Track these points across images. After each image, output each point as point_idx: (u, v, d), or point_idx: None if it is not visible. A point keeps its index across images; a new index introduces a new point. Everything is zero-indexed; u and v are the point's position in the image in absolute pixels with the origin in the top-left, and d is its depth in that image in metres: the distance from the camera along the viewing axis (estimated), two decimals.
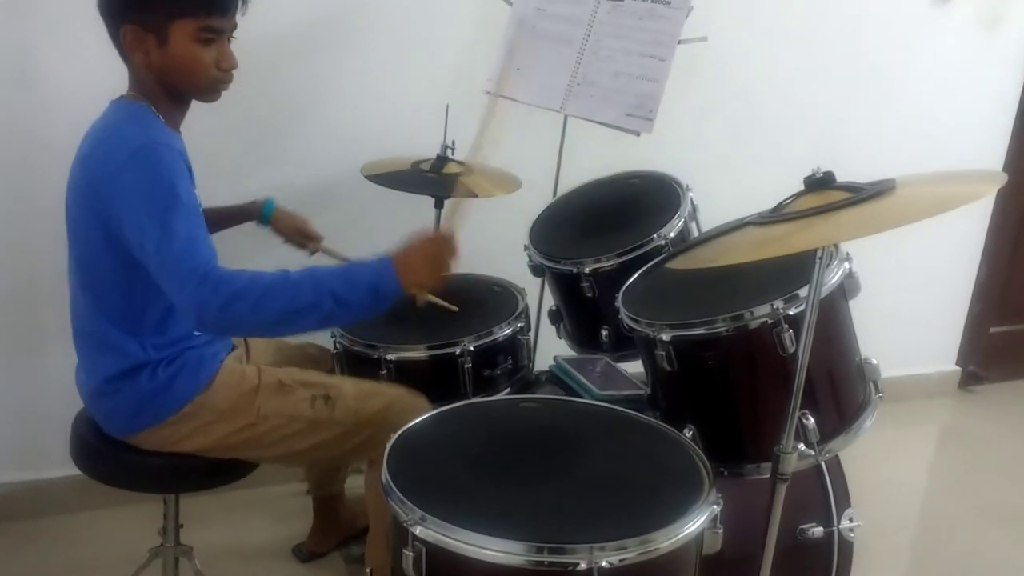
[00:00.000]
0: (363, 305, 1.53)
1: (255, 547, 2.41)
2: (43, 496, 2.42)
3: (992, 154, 3.34)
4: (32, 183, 2.21)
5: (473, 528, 1.25)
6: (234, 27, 1.65)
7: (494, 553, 1.23)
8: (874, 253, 3.19)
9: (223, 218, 2.01)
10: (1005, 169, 3.38)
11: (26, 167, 2.22)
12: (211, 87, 1.65)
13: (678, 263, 1.52)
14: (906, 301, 3.38)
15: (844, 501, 1.89)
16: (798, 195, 1.39)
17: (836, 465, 1.91)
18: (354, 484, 2.28)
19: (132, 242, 1.53)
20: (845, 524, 1.85)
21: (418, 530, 1.27)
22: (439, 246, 1.59)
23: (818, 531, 1.82)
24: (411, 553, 1.28)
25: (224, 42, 1.63)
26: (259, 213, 2.08)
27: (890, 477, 2.95)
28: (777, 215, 1.37)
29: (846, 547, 1.87)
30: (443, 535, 1.26)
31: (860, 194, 1.30)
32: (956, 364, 3.66)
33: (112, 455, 1.72)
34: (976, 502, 2.87)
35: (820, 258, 1.34)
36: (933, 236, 3.26)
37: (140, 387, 1.66)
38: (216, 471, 1.76)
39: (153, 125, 1.60)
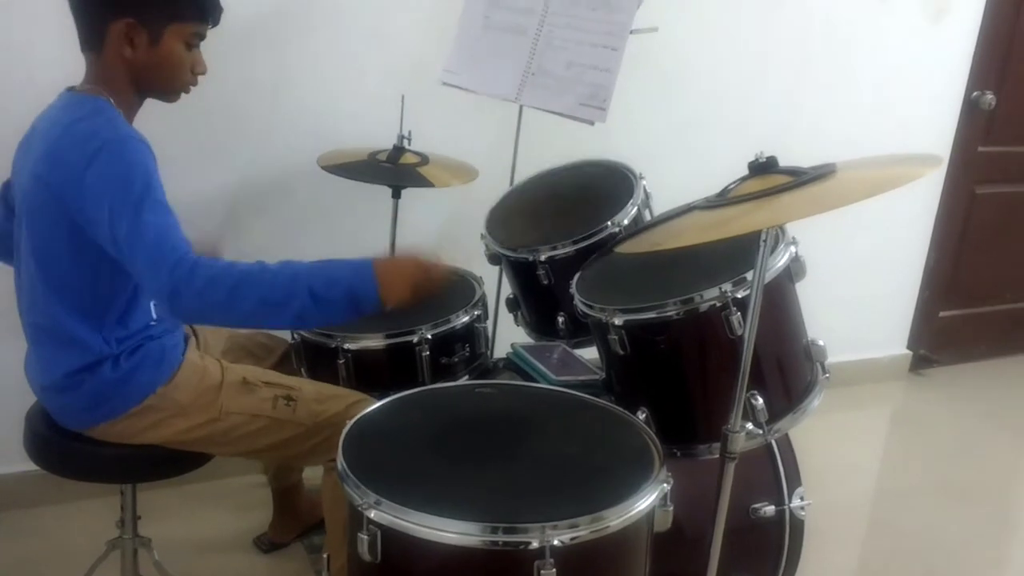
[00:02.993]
0: (338, 306, 1.52)
1: (216, 539, 2.40)
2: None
3: (940, 141, 3.43)
4: None
5: (427, 510, 1.27)
6: (205, 36, 1.70)
7: (448, 534, 1.25)
8: (825, 239, 3.27)
9: None
10: (952, 156, 3.46)
11: None
12: (180, 89, 1.70)
13: (626, 247, 1.55)
14: (857, 287, 3.46)
15: (795, 480, 1.93)
16: (742, 180, 1.43)
17: (786, 445, 1.96)
18: (313, 475, 2.28)
19: (102, 234, 1.51)
20: (796, 503, 1.90)
21: (372, 513, 1.29)
22: (426, 273, 1.60)
23: (770, 510, 1.87)
24: (366, 536, 1.29)
25: (199, 49, 1.68)
26: None
27: (843, 459, 3.03)
28: (722, 199, 1.40)
29: (797, 525, 1.92)
30: (397, 518, 1.27)
31: (801, 177, 1.33)
32: (907, 348, 3.75)
33: (67, 446, 1.71)
34: (927, 481, 2.95)
35: (764, 241, 1.37)
36: (883, 222, 3.35)
37: (102, 379, 1.65)
38: (172, 461, 1.76)
39: (117, 119, 1.59)
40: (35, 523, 2.39)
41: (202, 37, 1.68)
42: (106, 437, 1.70)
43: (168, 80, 1.66)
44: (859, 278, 3.47)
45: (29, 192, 1.61)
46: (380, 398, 1.64)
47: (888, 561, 2.53)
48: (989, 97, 3.44)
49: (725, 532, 1.63)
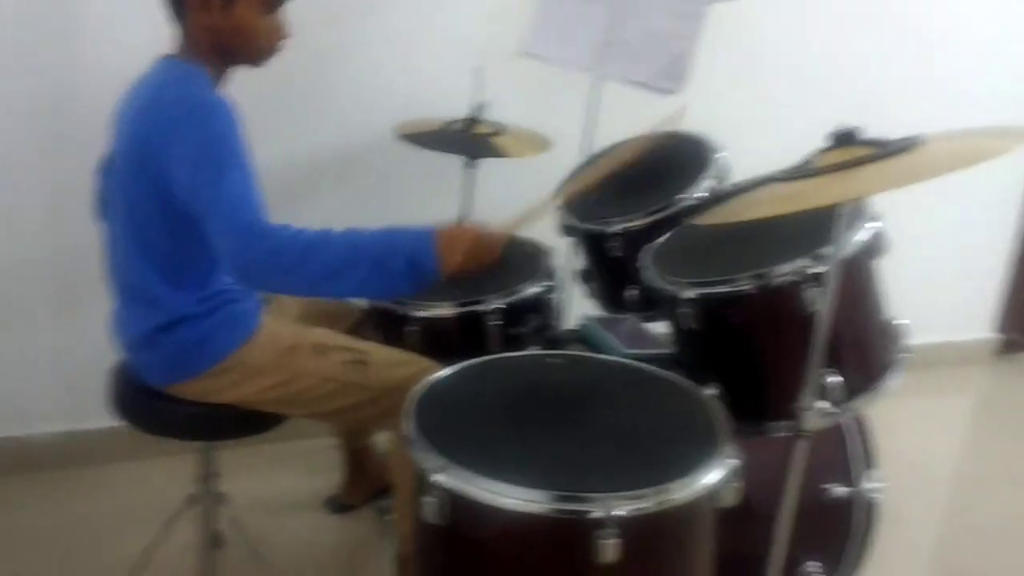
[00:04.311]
0: (398, 274, 1.54)
1: (289, 499, 2.47)
2: (84, 446, 2.51)
3: None
4: (70, 141, 2.26)
5: (492, 476, 1.28)
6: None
7: (512, 500, 1.26)
8: (909, 215, 3.17)
9: None
10: None
11: (64, 125, 2.27)
12: (262, 54, 1.71)
13: (700, 219, 1.52)
14: (942, 265, 3.35)
15: (870, 462, 1.89)
16: (823, 151, 1.38)
17: (862, 426, 1.91)
18: (383, 439, 2.33)
19: (183, 193, 1.56)
20: (870, 484, 1.86)
21: (438, 478, 1.31)
22: (485, 243, 1.60)
23: (842, 490, 1.83)
24: (433, 499, 1.31)
25: (282, 13, 1.69)
26: None
27: (922, 444, 2.95)
28: (800, 171, 1.37)
29: (870, 508, 1.88)
30: (462, 482, 1.29)
31: (884, 149, 1.29)
32: (994, 331, 3.62)
33: (149, 404, 1.77)
34: (1010, 470, 2.85)
35: (843, 215, 1.33)
36: (971, 198, 3.24)
37: (181, 339, 1.71)
38: (248, 421, 1.81)
39: (206, 85, 1.64)
40: (118, 478, 2.50)
41: (279, 2, 1.68)
42: (186, 395, 1.75)
43: (245, 45, 1.68)
44: (944, 256, 3.36)
45: (122, 155, 1.67)
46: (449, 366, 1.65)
47: (966, 551, 2.46)
48: None
49: (796, 513, 1.61)
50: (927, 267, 3.30)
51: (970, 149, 1.25)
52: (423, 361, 1.86)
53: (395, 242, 1.56)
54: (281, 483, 2.53)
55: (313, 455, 2.59)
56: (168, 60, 1.68)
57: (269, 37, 1.69)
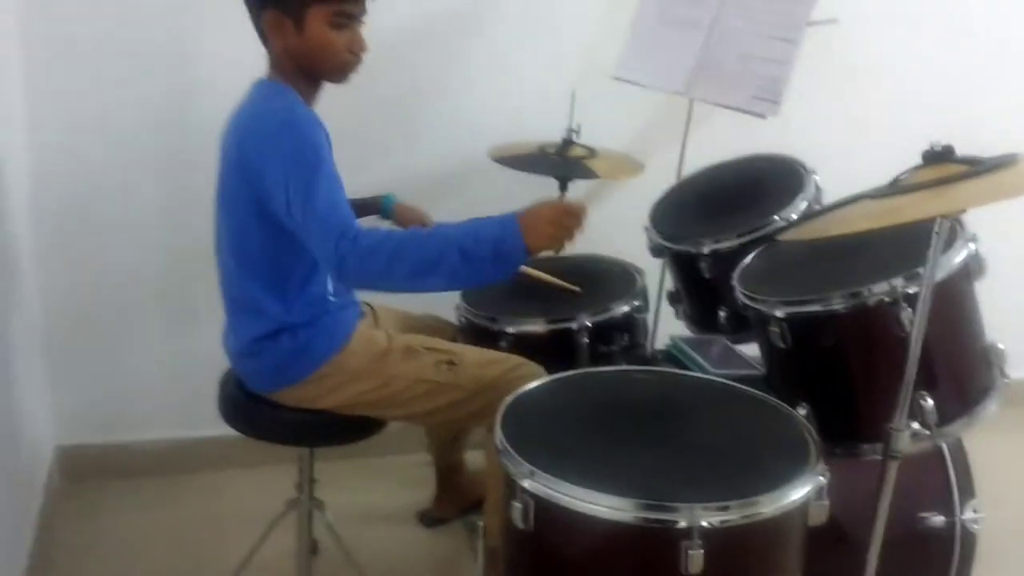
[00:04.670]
0: (487, 261, 1.58)
1: (383, 510, 2.53)
2: (193, 453, 2.62)
3: None
4: (185, 164, 2.40)
5: (579, 483, 1.30)
6: (364, 12, 1.76)
7: (598, 508, 1.28)
8: (1014, 237, 3.05)
9: None
10: None
11: (180, 149, 2.42)
12: (342, 69, 1.77)
13: (790, 235, 1.52)
14: None
15: (968, 491, 1.85)
16: (916, 169, 1.38)
17: (960, 454, 1.87)
18: (474, 457, 2.37)
19: (279, 205, 1.65)
20: (968, 515, 1.81)
21: (527, 483, 1.34)
22: (566, 214, 1.63)
23: (939, 520, 1.79)
24: (520, 505, 1.34)
25: (355, 26, 1.75)
26: (379, 207, 2.23)
27: None
28: (893, 188, 1.36)
29: (969, 539, 1.83)
30: (550, 488, 1.32)
31: (979, 166, 1.28)
32: None
33: (255, 410, 1.86)
34: None
35: (937, 232, 1.32)
36: None
37: (282, 347, 1.80)
38: (347, 428, 1.88)
39: (295, 102, 1.73)
40: (224, 484, 2.60)
41: (348, 15, 1.71)
42: (288, 401, 1.84)
43: (324, 62, 1.73)
44: None
45: (224, 174, 1.78)
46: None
47: None
48: None
49: (890, 541, 1.58)
50: None
51: None
52: (514, 359, 1.89)
53: (481, 231, 1.61)
54: (376, 496, 2.60)
55: (407, 470, 2.65)
56: (261, 83, 1.78)
57: (345, 52, 1.74)
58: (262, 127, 1.69)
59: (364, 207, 2.19)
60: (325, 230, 1.60)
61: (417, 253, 1.60)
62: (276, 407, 1.84)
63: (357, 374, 1.82)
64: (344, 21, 1.72)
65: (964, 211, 1.28)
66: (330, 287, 1.86)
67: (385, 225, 2.24)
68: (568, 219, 1.62)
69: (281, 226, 1.68)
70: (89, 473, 2.56)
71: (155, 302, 2.55)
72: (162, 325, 2.57)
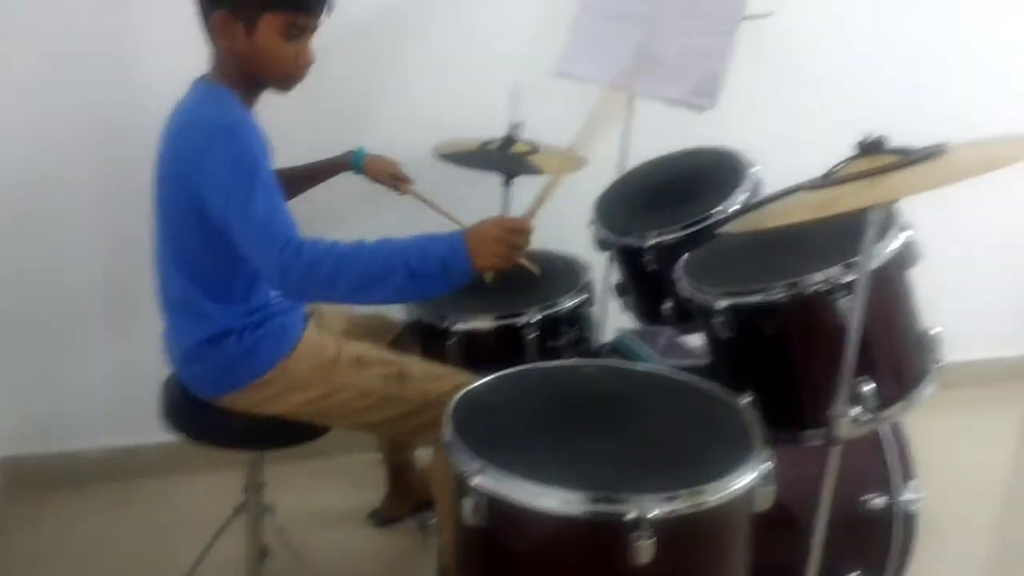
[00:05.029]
0: (434, 277, 1.58)
1: (333, 512, 2.52)
2: (138, 460, 2.58)
3: None
4: (123, 167, 2.35)
5: (528, 477, 1.31)
6: (316, 28, 1.74)
7: (548, 501, 1.29)
8: (952, 231, 3.15)
9: (318, 172, 2.20)
10: None
11: (117, 152, 2.37)
12: (287, 79, 1.75)
13: (729, 228, 1.55)
14: (987, 281, 3.32)
15: (908, 472, 1.89)
16: (849, 160, 1.41)
17: (900, 436, 1.91)
18: (425, 455, 2.37)
19: (217, 213, 1.62)
20: (909, 495, 1.86)
21: (477, 480, 1.34)
22: (512, 232, 1.63)
23: (880, 501, 1.83)
24: (471, 502, 1.35)
25: (305, 39, 1.73)
26: (351, 162, 2.23)
27: (971, 462, 2.91)
28: (828, 180, 1.39)
29: (910, 518, 1.87)
30: (500, 484, 1.32)
31: (910, 157, 1.31)
32: None
33: (198, 414, 1.84)
34: None
35: (871, 222, 1.36)
36: (1014, 212, 3.20)
37: (227, 352, 1.77)
38: (293, 431, 1.86)
39: (236, 106, 1.71)
40: (171, 492, 2.57)
41: (300, 28, 1.70)
42: (233, 406, 1.81)
43: (269, 69, 1.71)
44: (996, 272, 3.33)
45: (161, 176, 1.75)
46: None
47: (1013, 567, 2.43)
48: None
49: (835, 524, 1.62)
50: (972, 282, 3.27)
51: (996, 155, 1.27)
52: (461, 375, 1.89)
53: (428, 247, 1.60)
54: (326, 497, 2.59)
55: (357, 470, 2.64)
56: (202, 82, 1.75)
57: (293, 63, 1.72)
58: (199, 132, 1.65)
59: (335, 165, 2.21)
60: (265, 240, 1.57)
61: (362, 267, 1.58)
62: (220, 411, 1.82)
63: (303, 382, 1.80)
64: (295, 33, 1.70)
65: (896, 200, 1.31)
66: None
67: (359, 179, 2.26)
68: (514, 236, 1.63)
69: (220, 232, 1.65)
70: (33, 483, 2.51)
71: (95, 308, 2.50)
72: (103, 331, 2.52)
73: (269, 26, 1.67)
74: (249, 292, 1.79)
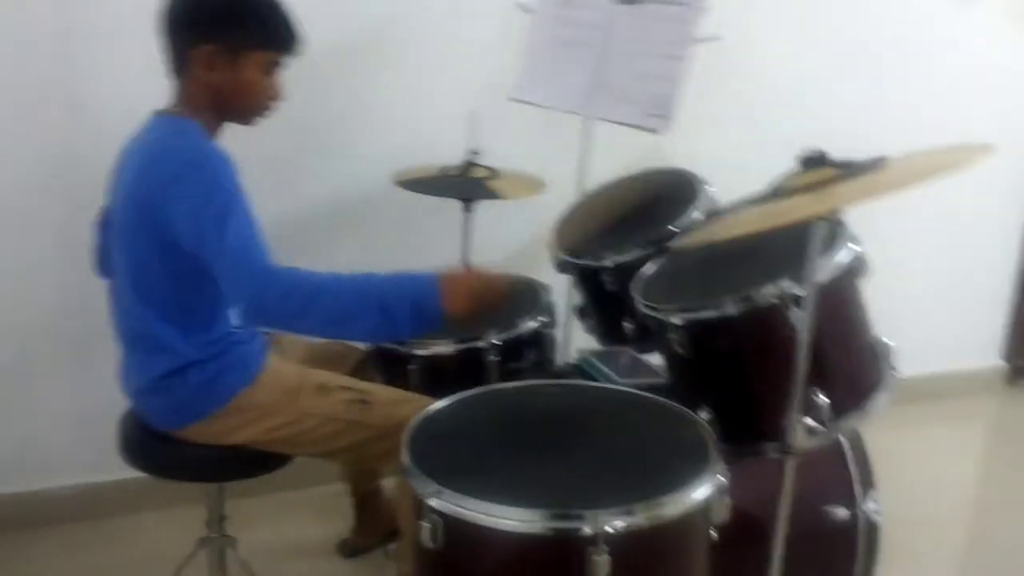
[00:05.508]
0: (404, 320, 1.59)
1: (300, 544, 2.49)
2: (100, 498, 2.54)
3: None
4: (77, 203, 2.32)
5: (484, 498, 1.31)
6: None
7: (504, 521, 1.30)
8: (911, 245, 3.20)
9: None
10: None
11: (72, 188, 2.35)
12: (258, 113, 1.79)
13: (679, 243, 1.57)
14: (947, 295, 3.37)
15: (869, 483, 1.91)
16: (793, 174, 1.44)
17: (860, 448, 1.93)
18: (392, 483, 2.35)
19: (189, 244, 1.62)
20: (871, 506, 1.87)
21: (434, 502, 1.34)
22: (489, 290, 1.65)
23: (843, 512, 1.85)
24: (428, 524, 1.34)
25: (279, 75, 1.77)
26: None
27: (935, 473, 2.94)
28: (773, 194, 1.42)
29: (872, 529, 1.89)
30: (457, 505, 1.32)
31: (851, 169, 1.34)
32: (1001, 359, 3.62)
33: (158, 447, 1.81)
34: (1021, 498, 2.83)
35: (817, 236, 1.38)
36: (971, 228, 3.27)
37: (189, 383, 1.76)
38: (256, 462, 1.84)
39: (203, 138, 1.71)
40: (134, 529, 2.52)
41: (280, 65, 1.76)
42: (194, 438, 1.79)
43: (245, 104, 1.75)
44: (950, 287, 3.38)
45: (122, 210, 1.74)
46: None
47: None
48: None
49: (798, 536, 1.64)
50: (934, 297, 3.33)
51: (933, 164, 1.31)
52: (424, 400, 1.89)
53: (402, 288, 1.61)
54: (293, 529, 2.56)
55: (324, 501, 2.62)
56: (161, 116, 1.75)
57: (266, 96, 1.77)
58: (166, 167, 1.65)
59: None
60: (240, 269, 1.58)
61: (336, 302, 1.59)
62: (180, 444, 1.80)
63: (267, 410, 1.79)
64: (275, 69, 1.74)
65: (839, 211, 1.34)
66: (233, 319, 1.83)
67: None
68: (488, 292, 1.65)
69: (185, 262, 1.65)
70: None
71: (53, 344, 2.47)
72: (62, 368, 2.49)
73: (254, 62, 1.71)
74: (210, 323, 1.78)
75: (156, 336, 1.75)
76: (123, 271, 1.77)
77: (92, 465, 2.50)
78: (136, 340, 1.81)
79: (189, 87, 1.74)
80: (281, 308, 1.57)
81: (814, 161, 1.42)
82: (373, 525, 2.42)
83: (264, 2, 1.73)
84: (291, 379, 1.84)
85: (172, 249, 1.66)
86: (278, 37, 1.74)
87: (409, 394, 1.93)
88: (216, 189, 1.62)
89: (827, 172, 1.38)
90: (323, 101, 2.52)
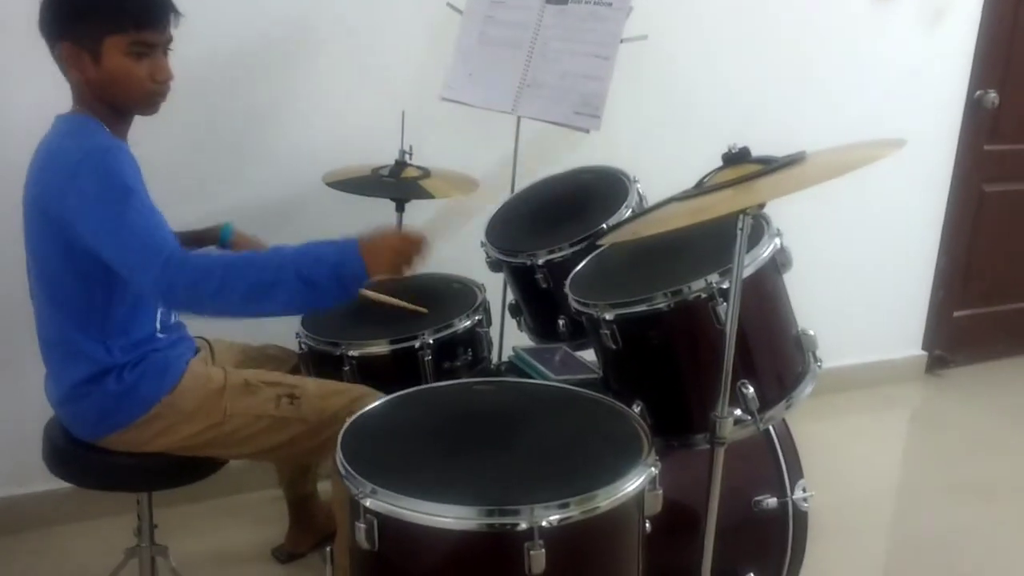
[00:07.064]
0: (326, 284, 1.55)
1: (235, 551, 2.45)
2: (24, 511, 2.46)
3: (945, 141, 3.46)
4: None
5: (419, 496, 1.31)
6: (168, 40, 1.70)
7: (440, 519, 1.30)
8: (835, 241, 3.29)
9: (183, 243, 2.08)
10: (958, 156, 3.49)
11: None
12: (147, 100, 1.70)
13: (608, 239, 1.59)
14: (870, 288, 3.48)
15: (796, 472, 1.96)
16: (717, 171, 1.47)
17: (787, 438, 1.98)
18: (327, 487, 2.33)
19: (91, 243, 1.58)
20: (799, 494, 1.92)
21: (368, 502, 1.33)
22: (409, 242, 1.63)
23: (772, 502, 1.89)
24: (363, 525, 1.33)
25: (159, 55, 1.68)
26: (217, 237, 2.12)
27: (860, 461, 3.03)
28: (698, 190, 1.45)
29: (801, 517, 1.94)
30: (392, 504, 1.32)
31: (772, 164, 1.38)
32: (922, 349, 3.74)
33: (83, 456, 1.77)
34: (946, 481, 2.93)
35: (741, 229, 1.41)
36: (893, 223, 3.38)
37: (107, 391, 1.72)
38: (185, 469, 1.82)
39: (98, 133, 1.66)
40: (59, 540, 2.45)
41: (148, 45, 1.65)
42: (118, 446, 1.76)
43: (125, 93, 1.67)
44: (872, 279, 3.49)
45: (27, 215, 1.70)
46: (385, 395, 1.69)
47: (907, 561, 2.53)
48: (992, 96, 3.46)
49: (729, 527, 1.67)
50: (856, 289, 3.42)
51: (849, 158, 1.35)
52: (357, 388, 1.88)
53: (320, 254, 1.57)
54: (227, 537, 2.51)
55: (258, 507, 2.59)
56: (63, 117, 1.71)
57: (148, 81, 1.67)
58: (61, 165, 1.61)
59: (201, 238, 2.11)
60: (146, 258, 1.53)
61: (252, 275, 1.55)
62: (105, 453, 1.76)
63: (190, 414, 1.76)
64: (144, 50, 1.65)
65: (762, 205, 1.37)
66: (158, 324, 1.80)
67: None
68: (410, 247, 1.63)
69: (92, 263, 1.61)
70: None
71: None
72: None
73: (114, 49, 1.63)
74: (128, 326, 1.74)
75: (71, 342, 1.71)
76: (35, 276, 1.74)
77: (15, 476, 2.42)
78: (53, 347, 1.76)
79: (73, 86, 1.69)
80: (196, 289, 1.53)
81: (737, 157, 1.45)
82: (309, 529, 2.40)
83: None
84: (214, 381, 1.81)
85: (75, 249, 1.62)
86: (127, 16, 1.63)
87: (340, 384, 1.91)
88: (111, 182, 1.57)
89: (749, 168, 1.42)
90: (249, 100, 2.48)
